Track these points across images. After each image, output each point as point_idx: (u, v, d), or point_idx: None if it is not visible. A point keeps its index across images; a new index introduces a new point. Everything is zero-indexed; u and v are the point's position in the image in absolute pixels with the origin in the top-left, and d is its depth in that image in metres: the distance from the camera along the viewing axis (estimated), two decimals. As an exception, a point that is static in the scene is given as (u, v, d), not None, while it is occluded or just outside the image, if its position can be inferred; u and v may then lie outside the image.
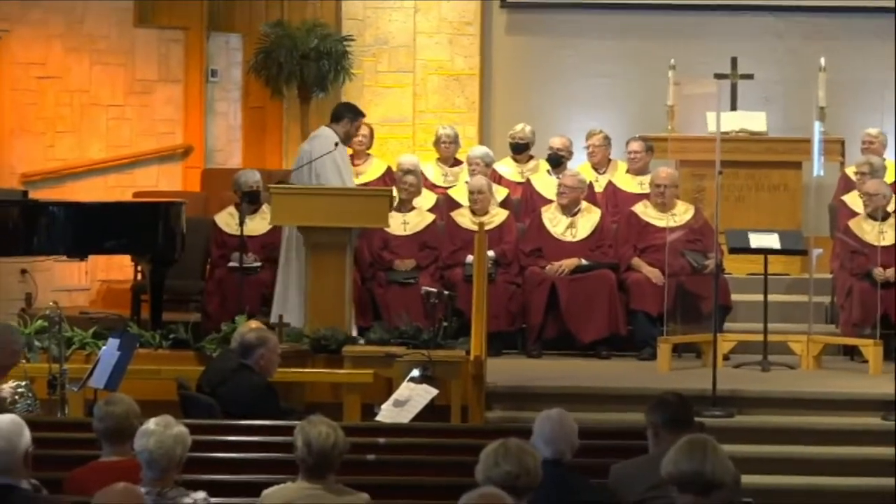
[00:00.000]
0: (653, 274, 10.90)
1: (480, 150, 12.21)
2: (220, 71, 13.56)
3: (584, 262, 11.04)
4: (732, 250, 10.89)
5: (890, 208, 10.92)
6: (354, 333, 10.01)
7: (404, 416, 8.48)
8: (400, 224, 11.21)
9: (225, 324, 9.59)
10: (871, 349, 10.27)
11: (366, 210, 10.04)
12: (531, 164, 12.33)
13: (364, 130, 11.91)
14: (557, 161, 11.98)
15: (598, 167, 12.18)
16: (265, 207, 11.12)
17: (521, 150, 12.35)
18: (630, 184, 11.86)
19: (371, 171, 12.24)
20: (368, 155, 12.36)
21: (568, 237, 11.20)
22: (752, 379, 10.06)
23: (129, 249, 10.99)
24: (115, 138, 13.08)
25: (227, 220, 11.33)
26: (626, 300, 10.95)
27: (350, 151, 11.34)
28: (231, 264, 11.02)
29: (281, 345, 8.69)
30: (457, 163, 12.47)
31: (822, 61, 12.63)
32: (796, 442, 9.07)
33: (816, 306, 11.12)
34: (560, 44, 13.85)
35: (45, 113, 12.86)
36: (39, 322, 9.32)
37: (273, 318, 9.86)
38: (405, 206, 11.38)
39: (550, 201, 11.48)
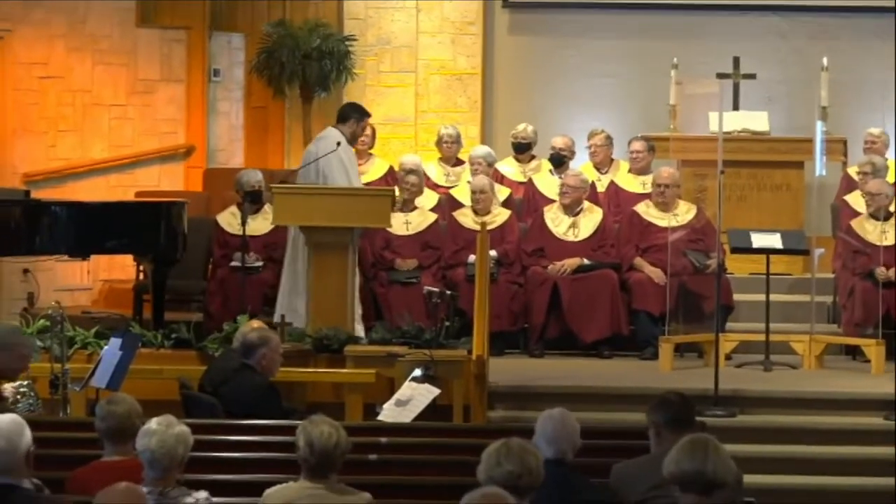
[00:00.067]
0: (655, 274, 10.90)
1: (482, 149, 12.21)
2: (222, 71, 13.56)
3: (586, 261, 11.03)
4: (734, 250, 10.87)
5: (892, 208, 10.90)
6: (362, 333, 10.02)
7: (406, 416, 8.48)
8: (402, 224, 11.21)
9: (227, 323, 9.59)
10: (874, 349, 10.27)
11: (368, 210, 10.02)
12: (533, 163, 12.33)
13: (366, 130, 11.90)
14: (559, 161, 11.98)
15: (600, 167, 12.17)
16: (267, 207, 11.12)
17: (523, 149, 12.35)
18: (632, 183, 11.84)
19: (373, 170, 12.24)
20: (370, 155, 12.36)
21: (570, 237, 11.19)
22: (754, 379, 10.05)
23: (131, 249, 10.99)
24: (117, 138, 13.08)
25: (229, 219, 11.34)
26: (628, 300, 10.94)
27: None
28: (233, 264, 11.03)
29: (283, 344, 8.69)
30: (459, 162, 12.46)
31: (825, 61, 12.62)
32: (798, 442, 9.06)
33: (818, 306, 11.10)
34: (562, 43, 13.84)
35: (47, 113, 12.86)
36: (41, 322, 9.29)
37: (277, 318, 9.86)
38: (407, 205, 11.38)
39: (552, 201, 11.48)
